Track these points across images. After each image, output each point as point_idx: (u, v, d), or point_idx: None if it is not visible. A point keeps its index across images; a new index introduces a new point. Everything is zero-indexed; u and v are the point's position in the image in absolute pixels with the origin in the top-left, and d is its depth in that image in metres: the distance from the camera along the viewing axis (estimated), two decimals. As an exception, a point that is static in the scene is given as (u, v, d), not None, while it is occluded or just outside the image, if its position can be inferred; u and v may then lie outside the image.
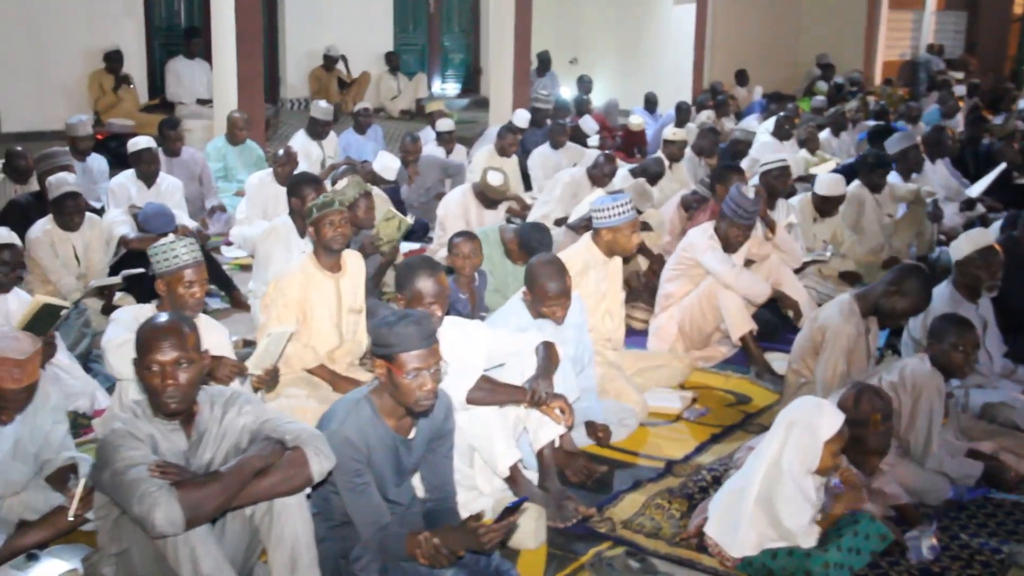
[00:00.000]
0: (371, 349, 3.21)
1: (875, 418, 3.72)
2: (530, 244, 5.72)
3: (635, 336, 6.03)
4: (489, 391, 3.81)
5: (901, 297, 4.47)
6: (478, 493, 3.95)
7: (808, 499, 3.39)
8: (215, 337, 4.24)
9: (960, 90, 15.79)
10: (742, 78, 16.64)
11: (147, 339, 2.91)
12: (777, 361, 5.48)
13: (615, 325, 5.28)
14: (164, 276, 3.99)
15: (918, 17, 21.81)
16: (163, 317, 2.99)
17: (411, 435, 3.34)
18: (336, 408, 3.27)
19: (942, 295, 4.93)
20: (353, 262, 4.93)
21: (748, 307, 5.57)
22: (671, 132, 9.48)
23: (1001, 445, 4.35)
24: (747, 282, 5.57)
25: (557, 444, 4.13)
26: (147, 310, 4.03)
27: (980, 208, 8.82)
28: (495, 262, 5.84)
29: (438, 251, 6.96)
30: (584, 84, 14.81)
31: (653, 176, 8.46)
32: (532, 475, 4.03)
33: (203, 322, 4.23)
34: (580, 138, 11.02)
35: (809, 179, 8.48)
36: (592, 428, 4.62)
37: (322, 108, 9.73)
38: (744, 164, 9.43)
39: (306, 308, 4.69)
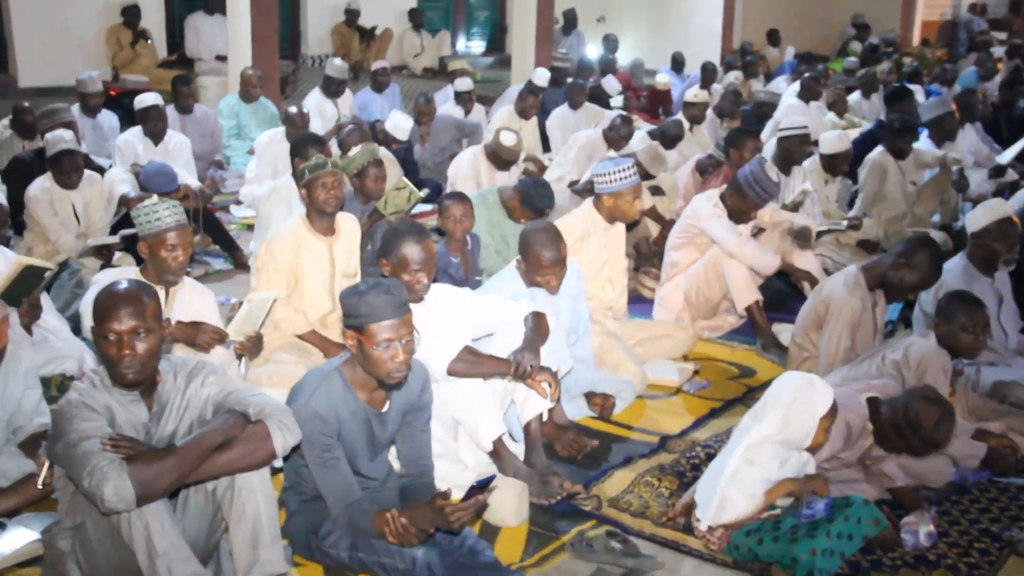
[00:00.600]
0: (342, 319, 3.10)
1: (944, 443, 3.57)
2: (532, 200, 5.54)
3: (644, 304, 5.88)
4: (472, 363, 3.68)
5: (910, 270, 4.28)
6: (463, 467, 3.84)
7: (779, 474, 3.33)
8: (200, 301, 4.16)
9: (1000, 51, 15.30)
10: (774, 38, 16.28)
11: (104, 307, 2.78)
12: (785, 332, 5.27)
13: (617, 293, 5.12)
14: (147, 239, 3.93)
15: (960, -25, 21.15)
16: (122, 284, 2.87)
17: (385, 408, 3.24)
18: (306, 380, 3.18)
19: (956, 268, 4.69)
20: (347, 225, 4.81)
21: (755, 277, 5.38)
22: (692, 94, 9.27)
23: (1010, 426, 4.16)
24: (753, 252, 5.33)
25: (546, 417, 4.01)
26: (130, 274, 3.94)
27: (1012, 175, 8.50)
28: (495, 223, 5.66)
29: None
30: (610, 43, 14.52)
31: (672, 139, 8.23)
32: (520, 448, 3.92)
33: (188, 286, 4.15)
34: (603, 98, 10.80)
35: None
36: (593, 399, 4.50)
37: (337, 66, 9.57)
38: (768, 127, 9.21)
39: (298, 272, 4.59)
